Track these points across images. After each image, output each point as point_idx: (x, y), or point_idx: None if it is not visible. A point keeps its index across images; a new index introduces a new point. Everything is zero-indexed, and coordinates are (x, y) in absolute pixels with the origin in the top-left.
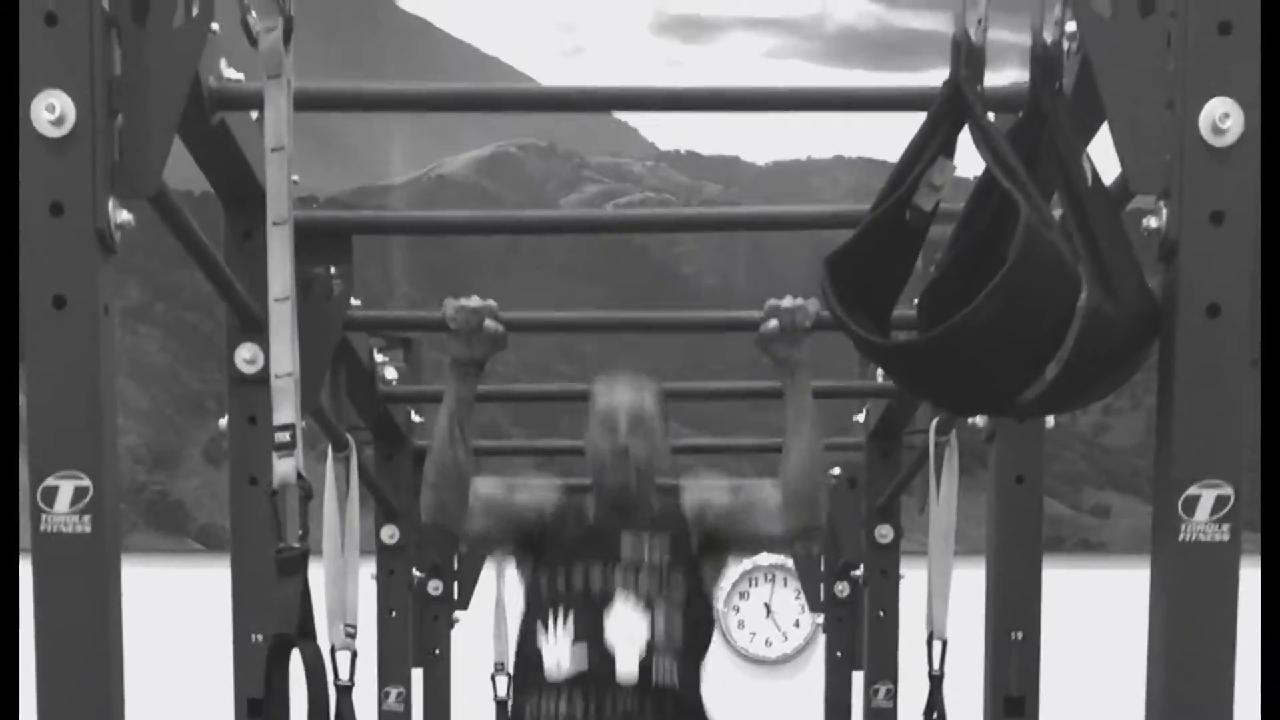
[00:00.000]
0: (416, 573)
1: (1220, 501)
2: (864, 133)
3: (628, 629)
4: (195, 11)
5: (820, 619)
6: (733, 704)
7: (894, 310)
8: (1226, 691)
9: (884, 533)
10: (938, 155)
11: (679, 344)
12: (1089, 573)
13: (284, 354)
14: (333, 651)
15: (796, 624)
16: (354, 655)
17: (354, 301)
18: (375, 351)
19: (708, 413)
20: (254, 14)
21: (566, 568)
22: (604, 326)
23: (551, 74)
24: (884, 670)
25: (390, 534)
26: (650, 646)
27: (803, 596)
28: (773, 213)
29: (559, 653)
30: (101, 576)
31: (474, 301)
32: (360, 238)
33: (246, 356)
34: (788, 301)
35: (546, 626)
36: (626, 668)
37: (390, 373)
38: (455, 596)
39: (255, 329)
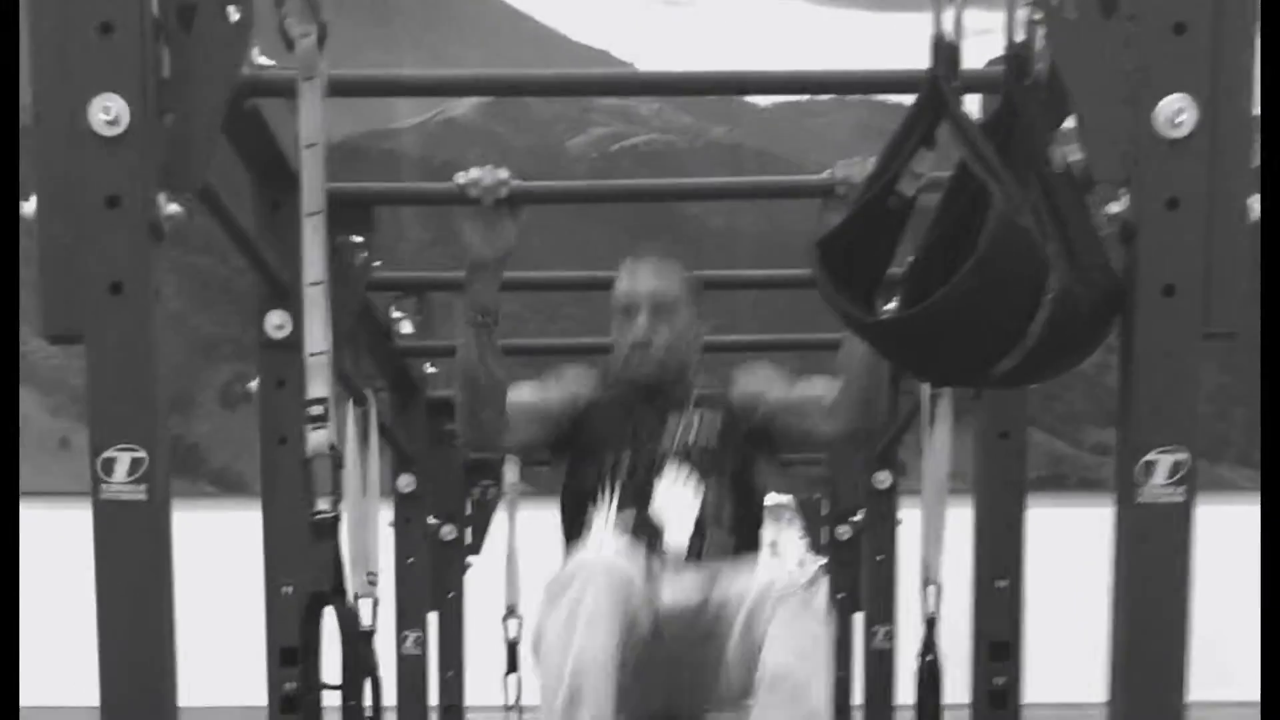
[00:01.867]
0: (431, 520)
1: (1176, 466)
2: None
3: (677, 502)
4: (238, 17)
5: (823, 560)
6: None
7: (879, 288)
8: (1180, 636)
9: (882, 479)
10: (919, 146)
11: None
12: (1090, 511)
13: (317, 334)
14: (355, 599)
15: (801, 564)
16: (375, 602)
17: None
18: (391, 308)
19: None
20: (290, 20)
21: (610, 450)
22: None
23: (558, 14)
24: (883, 613)
25: (406, 483)
26: (700, 522)
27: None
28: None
29: (605, 528)
30: (155, 538)
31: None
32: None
33: (276, 323)
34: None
35: (592, 505)
36: (675, 540)
37: (406, 327)
38: (468, 542)
39: (284, 296)
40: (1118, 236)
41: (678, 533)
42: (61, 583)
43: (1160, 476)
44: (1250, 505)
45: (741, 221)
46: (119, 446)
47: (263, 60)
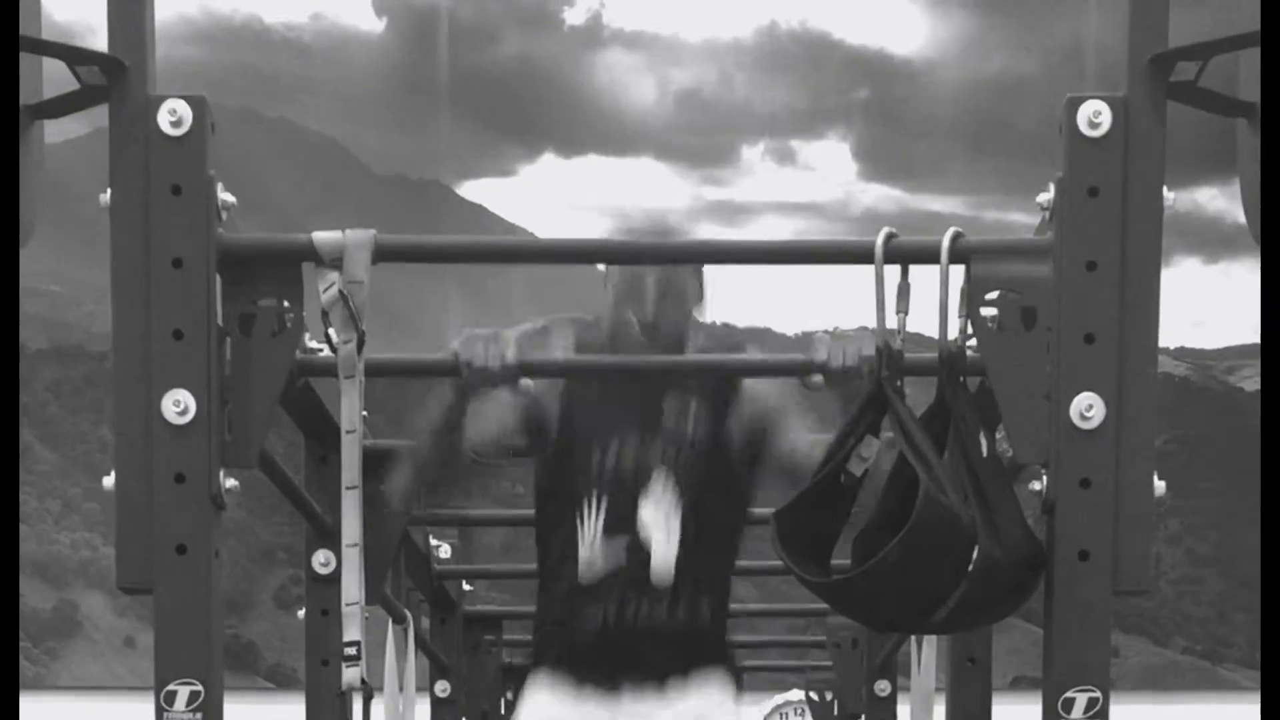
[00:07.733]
0: None
1: (1091, 702)
2: None
3: (664, 517)
4: (289, 324)
5: None
6: None
7: (830, 553)
8: None
9: (882, 687)
10: (866, 434)
11: None
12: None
13: (353, 585)
14: None
15: None
16: None
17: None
18: (429, 536)
19: None
20: (334, 330)
21: (597, 446)
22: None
23: None
24: None
25: (442, 688)
26: (684, 541)
27: None
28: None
29: (592, 548)
30: None
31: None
32: None
33: (321, 560)
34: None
35: (576, 514)
36: (661, 566)
37: (444, 552)
38: None
39: (328, 536)
40: (1039, 510)
41: (663, 556)
42: None
43: (1078, 711)
44: (1251, 705)
45: None
46: (179, 681)
47: (312, 345)
